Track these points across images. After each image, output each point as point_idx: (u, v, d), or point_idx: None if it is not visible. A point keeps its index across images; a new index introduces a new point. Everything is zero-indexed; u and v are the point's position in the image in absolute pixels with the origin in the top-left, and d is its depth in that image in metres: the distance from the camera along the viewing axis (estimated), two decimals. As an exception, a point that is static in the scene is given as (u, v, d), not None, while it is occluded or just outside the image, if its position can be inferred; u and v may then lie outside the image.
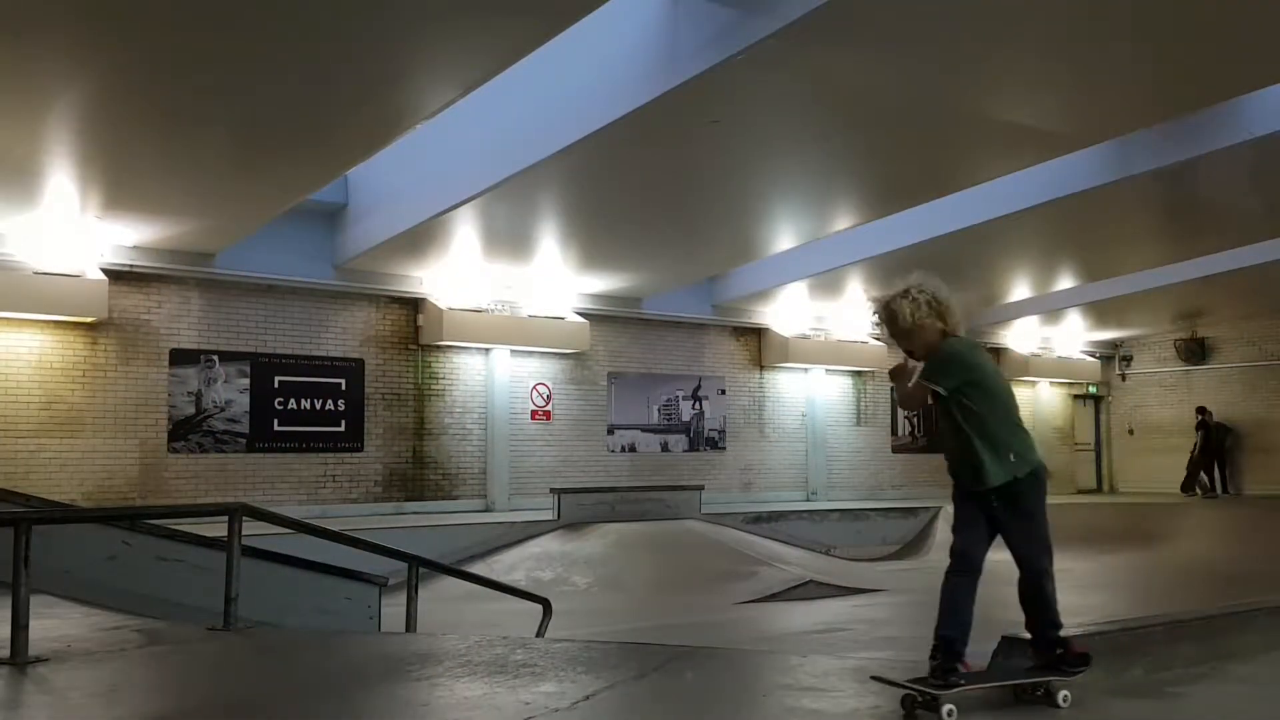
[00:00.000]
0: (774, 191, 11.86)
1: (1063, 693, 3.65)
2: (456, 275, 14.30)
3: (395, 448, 14.42)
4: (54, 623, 5.62)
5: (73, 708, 4.13)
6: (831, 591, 12.71)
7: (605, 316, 16.05)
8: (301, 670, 4.93)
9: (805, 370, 18.61)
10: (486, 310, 14.84)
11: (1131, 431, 22.75)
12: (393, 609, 7.21)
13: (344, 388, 14.01)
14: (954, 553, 3.89)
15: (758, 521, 15.59)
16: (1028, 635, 3.85)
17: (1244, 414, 21.26)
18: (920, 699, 3.53)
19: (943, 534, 16.55)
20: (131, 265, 12.31)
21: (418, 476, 14.61)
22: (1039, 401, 22.26)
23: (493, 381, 15.20)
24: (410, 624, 7.01)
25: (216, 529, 5.90)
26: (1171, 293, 17.74)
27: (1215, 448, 20.78)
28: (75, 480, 12.00)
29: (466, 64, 7.79)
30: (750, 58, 7.38)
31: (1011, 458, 3.82)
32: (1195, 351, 21.92)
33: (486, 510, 14.92)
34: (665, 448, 17.09)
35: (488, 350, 15.15)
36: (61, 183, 10.03)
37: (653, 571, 12.81)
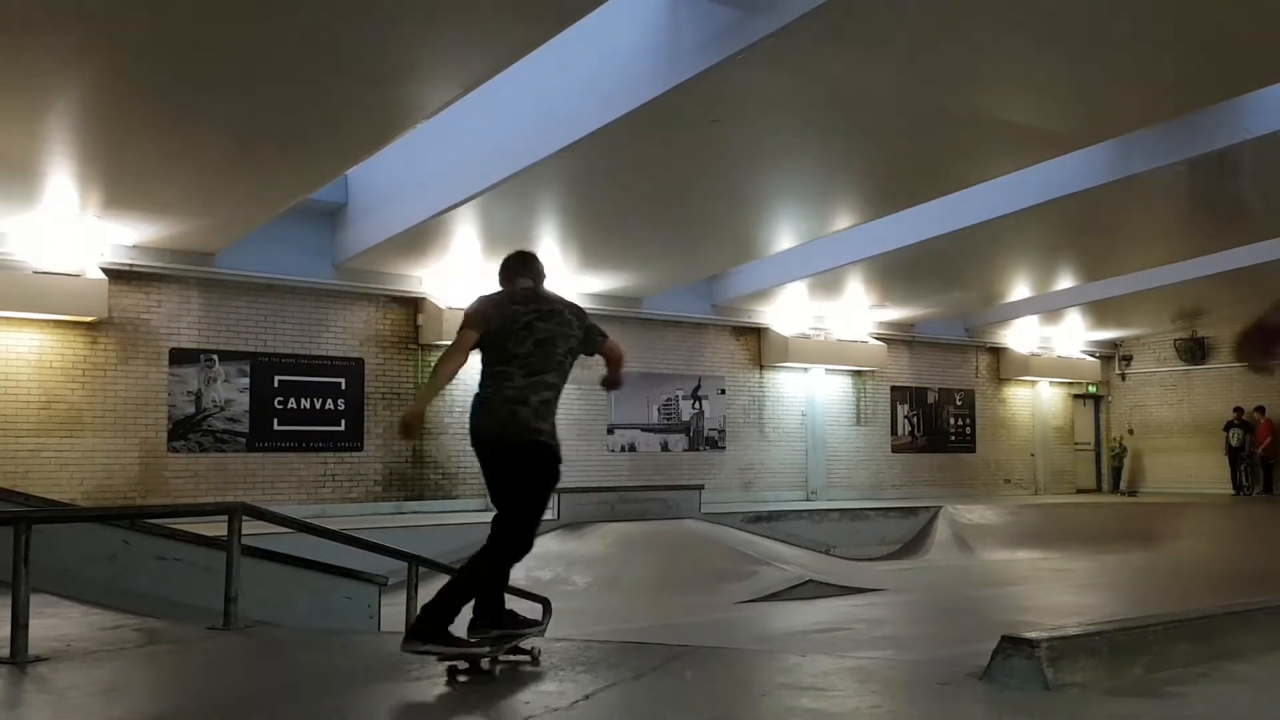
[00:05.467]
0: (774, 191, 11.86)
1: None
2: (456, 275, 14.29)
3: (395, 447, 14.40)
4: (54, 622, 5.61)
5: (72, 707, 4.13)
6: (831, 591, 12.71)
7: (605, 316, 15.92)
8: (301, 670, 4.93)
9: (805, 370, 18.61)
10: (486, 310, 14.80)
11: (1131, 431, 22.77)
12: (392, 608, 7.21)
13: (344, 387, 14.01)
14: None
15: (757, 521, 15.58)
16: (1029, 634, 3.85)
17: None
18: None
19: (942, 534, 16.58)
20: (131, 265, 12.31)
21: (418, 476, 14.60)
22: (1039, 401, 22.27)
23: (492, 381, 15.16)
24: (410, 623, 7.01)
25: (216, 528, 5.91)
26: (1171, 293, 17.73)
27: None
28: (75, 479, 12.00)
29: (466, 63, 7.78)
30: (750, 57, 7.37)
31: None
32: (1195, 351, 21.92)
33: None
34: (665, 447, 17.09)
35: (488, 350, 15.11)
36: (61, 182, 10.02)
37: (652, 571, 12.81)
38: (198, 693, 4.52)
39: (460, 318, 4.65)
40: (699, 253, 14.61)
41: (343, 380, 14.00)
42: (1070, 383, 22.81)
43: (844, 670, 4.52)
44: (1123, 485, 22.31)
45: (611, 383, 4.88)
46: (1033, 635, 3.88)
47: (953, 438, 20.90)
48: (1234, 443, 20.97)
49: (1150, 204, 12.77)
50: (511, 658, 4.38)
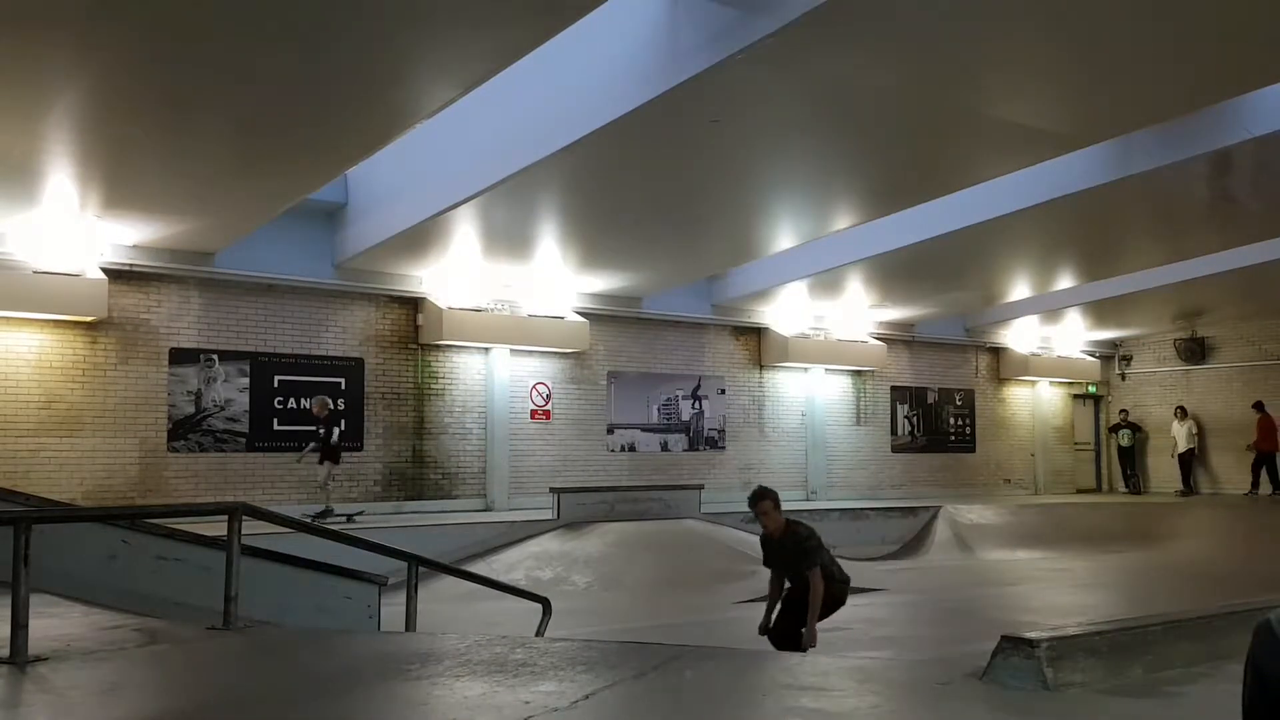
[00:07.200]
0: (774, 191, 11.86)
1: None
2: (456, 274, 14.29)
3: (395, 447, 14.42)
4: (53, 622, 5.62)
5: (72, 707, 4.12)
6: (831, 591, 12.68)
7: (605, 316, 16.04)
8: (301, 670, 4.93)
9: (805, 370, 18.61)
10: (486, 310, 14.83)
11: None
12: (392, 608, 7.21)
13: (344, 387, 14.01)
14: None
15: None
16: (1029, 634, 3.86)
17: (1243, 414, 21.24)
18: None
19: (942, 533, 16.58)
20: (131, 264, 12.31)
21: (417, 476, 14.61)
22: (1038, 401, 22.27)
23: (492, 381, 15.20)
24: (410, 623, 7.01)
25: (216, 528, 5.90)
26: (1171, 293, 17.73)
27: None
28: (75, 479, 12.00)
29: (466, 62, 7.78)
30: (750, 57, 7.37)
31: None
32: (1195, 351, 21.93)
33: (486, 510, 14.92)
34: (665, 447, 17.09)
35: (487, 350, 15.15)
36: (61, 182, 10.02)
37: (652, 571, 12.81)
38: (198, 693, 4.52)
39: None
40: (699, 253, 14.61)
41: (343, 380, 14.01)
42: (1070, 383, 22.82)
43: (844, 670, 4.52)
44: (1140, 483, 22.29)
45: None
46: (1033, 635, 3.88)
47: (952, 437, 20.90)
48: (1124, 443, 22.20)
49: (1150, 204, 12.76)
50: None
